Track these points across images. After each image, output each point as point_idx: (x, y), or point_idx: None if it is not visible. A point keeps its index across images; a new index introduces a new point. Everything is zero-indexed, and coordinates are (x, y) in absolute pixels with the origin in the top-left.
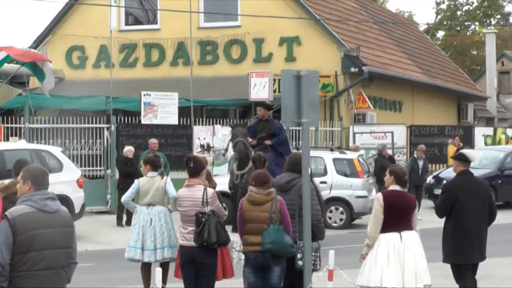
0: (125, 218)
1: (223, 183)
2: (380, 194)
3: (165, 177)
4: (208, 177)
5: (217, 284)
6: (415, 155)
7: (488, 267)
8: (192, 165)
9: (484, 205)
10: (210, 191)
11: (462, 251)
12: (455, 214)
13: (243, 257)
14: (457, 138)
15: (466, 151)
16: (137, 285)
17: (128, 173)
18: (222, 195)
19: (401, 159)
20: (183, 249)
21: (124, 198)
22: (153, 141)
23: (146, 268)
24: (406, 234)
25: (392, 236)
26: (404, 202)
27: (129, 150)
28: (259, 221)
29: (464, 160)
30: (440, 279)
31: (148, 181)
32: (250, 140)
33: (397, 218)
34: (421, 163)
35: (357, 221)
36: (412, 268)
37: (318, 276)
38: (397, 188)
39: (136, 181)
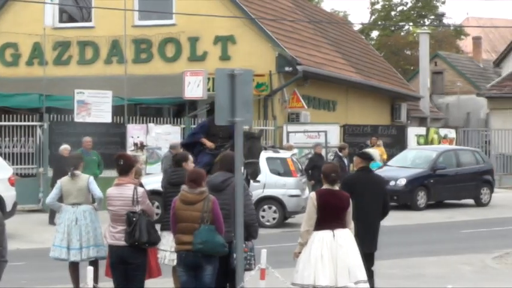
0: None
1: (156, 181)
2: (313, 193)
3: (87, 176)
4: (136, 175)
5: (147, 283)
6: (341, 154)
7: (419, 267)
8: (122, 163)
9: (378, 200)
10: (140, 190)
11: (357, 239)
12: (354, 206)
13: (172, 256)
14: (374, 138)
15: (368, 150)
16: (68, 284)
17: (63, 171)
18: (154, 193)
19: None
20: (112, 248)
21: (48, 199)
22: (87, 140)
23: (74, 267)
24: (339, 232)
25: (325, 234)
26: (338, 201)
27: (65, 148)
28: (191, 220)
29: (366, 158)
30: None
31: (69, 181)
32: (207, 142)
33: (330, 216)
34: (346, 161)
35: (290, 220)
36: (345, 265)
37: (250, 275)
38: (329, 186)
39: (58, 181)
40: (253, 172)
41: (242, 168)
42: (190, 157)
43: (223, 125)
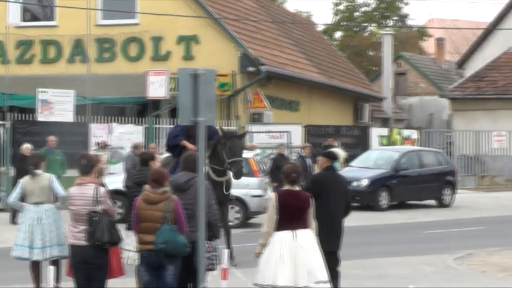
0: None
1: (119, 181)
2: (274, 194)
3: (49, 175)
4: (98, 175)
5: (110, 283)
6: (302, 154)
7: (382, 267)
8: (84, 163)
9: (342, 199)
10: (101, 189)
11: (321, 238)
12: (318, 205)
13: (136, 256)
14: (331, 139)
15: (333, 149)
16: (29, 284)
17: (25, 170)
18: (117, 193)
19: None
20: (74, 248)
21: (11, 199)
22: (52, 139)
23: (35, 266)
24: (300, 232)
25: (285, 234)
26: (299, 201)
27: (26, 147)
28: (153, 220)
29: (331, 157)
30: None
31: (31, 180)
32: (188, 145)
33: (291, 217)
34: (309, 161)
35: (252, 220)
36: (305, 266)
37: (212, 275)
38: (289, 187)
39: (20, 181)
40: (237, 171)
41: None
42: (158, 156)
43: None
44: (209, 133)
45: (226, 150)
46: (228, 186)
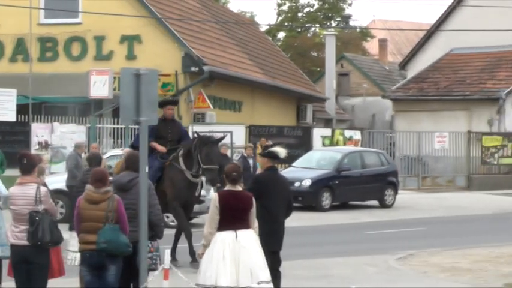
0: None
1: (60, 181)
2: (216, 195)
3: None
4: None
5: (51, 283)
6: (245, 154)
7: (324, 267)
8: (24, 162)
9: (284, 199)
10: (43, 189)
11: (263, 238)
12: (261, 205)
13: (75, 257)
14: (263, 139)
15: (274, 148)
16: None
17: None
18: (58, 193)
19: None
20: (14, 248)
21: None
22: None
23: None
24: (242, 232)
25: (227, 235)
26: (240, 202)
27: None
28: (95, 220)
29: (272, 157)
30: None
31: None
32: (158, 146)
33: (233, 217)
34: (251, 161)
35: (194, 220)
36: (247, 266)
37: (153, 275)
38: (231, 187)
39: None
40: (212, 179)
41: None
42: (104, 157)
43: (173, 126)
44: (180, 134)
45: (202, 156)
46: (200, 188)
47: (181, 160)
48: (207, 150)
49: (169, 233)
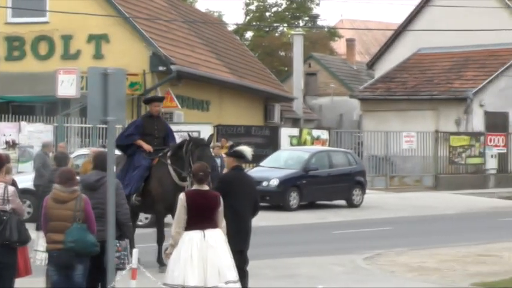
0: None
1: (28, 180)
2: (183, 194)
3: None
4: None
5: (17, 283)
6: (212, 153)
7: (292, 267)
8: None
9: (250, 199)
10: (10, 188)
11: (230, 238)
12: (227, 205)
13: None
14: (224, 140)
15: (240, 148)
16: None
17: None
18: (26, 192)
19: None
20: None
21: None
22: None
23: None
24: (209, 232)
25: (195, 234)
26: (207, 201)
27: None
28: (62, 219)
29: (238, 156)
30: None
31: None
32: (144, 145)
33: (200, 216)
34: (219, 161)
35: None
36: (215, 265)
37: (121, 274)
38: (198, 186)
39: None
40: None
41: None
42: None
43: (159, 123)
44: (166, 131)
45: (193, 158)
46: None
47: (169, 162)
48: (199, 153)
49: (136, 233)
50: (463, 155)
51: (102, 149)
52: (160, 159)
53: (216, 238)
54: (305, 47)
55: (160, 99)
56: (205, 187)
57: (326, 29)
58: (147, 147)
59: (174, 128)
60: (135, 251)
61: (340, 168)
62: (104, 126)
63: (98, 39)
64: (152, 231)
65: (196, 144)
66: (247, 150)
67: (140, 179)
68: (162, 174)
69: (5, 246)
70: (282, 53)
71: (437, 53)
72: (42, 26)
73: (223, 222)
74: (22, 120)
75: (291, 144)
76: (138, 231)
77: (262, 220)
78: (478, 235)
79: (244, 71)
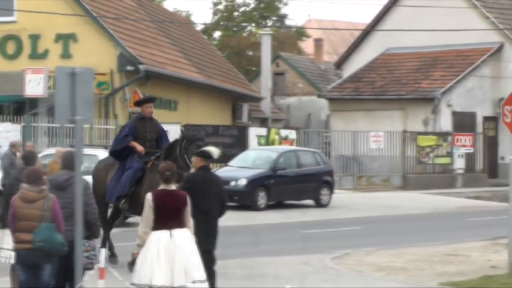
0: None
1: None
2: (150, 194)
3: None
4: None
5: None
6: None
7: (260, 267)
8: None
9: (217, 199)
10: None
11: (197, 238)
12: (194, 204)
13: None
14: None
15: (207, 148)
16: None
17: None
18: None
19: None
20: None
21: None
22: None
23: None
24: (176, 231)
25: (162, 234)
26: (175, 201)
27: None
28: (30, 219)
29: (205, 156)
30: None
31: None
32: (137, 146)
33: (167, 216)
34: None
35: (130, 220)
36: (182, 265)
37: (89, 274)
38: (165, 186)
39: None
40: None
41: None
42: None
43: (151, 124)
44: (158, 133)
45: (188, 156)
46: None
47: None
48: (193, 149)
49: (117, 231)
50: (431, 154)
51: (69, 149)
52: (154, 162)
53: (183, 238)
54: (273, 46)
55: (152, 100)
56: (173, 187)
57: (294, 29)
58: (140, 148)
59: None
60: (102, 250)
61: (308, 168)
62: (72, 125)
63: (65, 39)
64: (120, 231)
65: (190, 140)
66: (214, 150)
67: (130, 181)
68: (155, 181)
69: None
70: (250, 53)
71: (405, 53)
72: (10, 26)
73: (190, 222)
74: None
75: (259, 144)
76: (116, 230)
77: (230, 220)
78: (445, 235)
79: (213, 71)
